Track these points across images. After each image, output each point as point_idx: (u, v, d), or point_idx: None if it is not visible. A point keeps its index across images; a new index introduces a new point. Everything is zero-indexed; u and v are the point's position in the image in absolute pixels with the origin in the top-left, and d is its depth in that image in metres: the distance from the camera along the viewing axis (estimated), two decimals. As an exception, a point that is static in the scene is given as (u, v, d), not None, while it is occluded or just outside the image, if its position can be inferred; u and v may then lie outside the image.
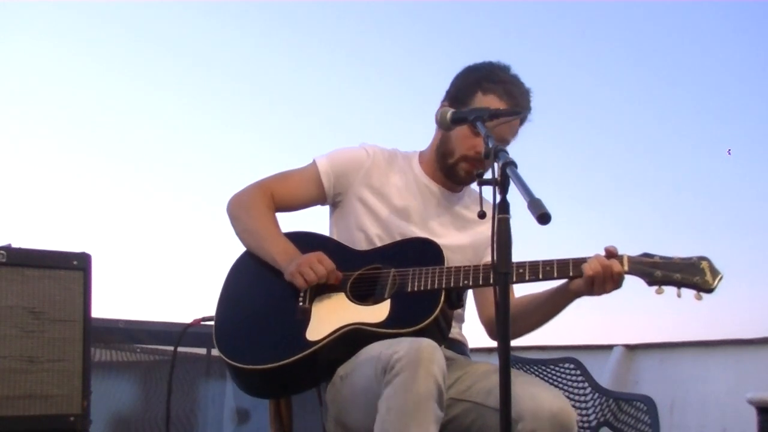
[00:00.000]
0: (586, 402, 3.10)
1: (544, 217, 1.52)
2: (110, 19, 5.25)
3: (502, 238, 1.60)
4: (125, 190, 5.43)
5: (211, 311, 2.23)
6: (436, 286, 2.08)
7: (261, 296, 2.22)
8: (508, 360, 1.57)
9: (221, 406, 3.74)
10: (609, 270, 1.99)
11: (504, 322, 1.57)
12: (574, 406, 3.09)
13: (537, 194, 1.56)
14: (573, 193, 5.54)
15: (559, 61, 5.67)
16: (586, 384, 3.12)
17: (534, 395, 1.89)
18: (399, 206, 2.28)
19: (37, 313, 2.56)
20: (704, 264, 2.00)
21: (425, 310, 2.04)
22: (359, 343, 2.03)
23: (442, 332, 2.10)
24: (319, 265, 2.10)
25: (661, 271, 2.00)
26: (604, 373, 4.35)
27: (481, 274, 2.08)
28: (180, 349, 3.53)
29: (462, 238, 2.32)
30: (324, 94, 5.60)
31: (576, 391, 3.14)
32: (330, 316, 2.09)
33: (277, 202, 2.31)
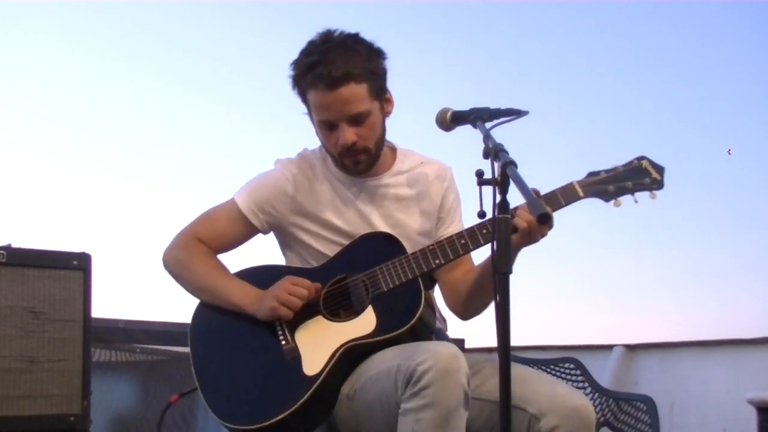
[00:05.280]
0: (586, 402, 3.10)
1: (544, 218, 1.52)
2: (108, 16, 5.25)
3: (502, 238, 1.60)
4: (125, 190, 5.42)
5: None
6: (410, 275, 2.04)
7: (238, 349, 2.09)
8: (508, 360, 1.57)
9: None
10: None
11: (504, 323, 1.57)
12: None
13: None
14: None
15: (559, 57, 5.67)
16: (586, 384, 3.12)
17: (556, 393, 1.92)
18: (335, 218, 2.18)
19: (37, 313, 2.56)
20: (644, 163, 2.07)
21: (411, 304, 2.01)
22: (358, 357, 2.00)
23: (429, 322, 2.09)
24: (296, 287, 2.03)
25: (613, 185, 2.04)
26: (604, 373, 4.35)
27: (448, 249, 2.05)
28: (179, 349, 3.56)
29: (410, 220, 2.23)
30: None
31: (576, 391, 3.14)
32: (319, 344, 2.01)
33: (210, 247, 2.19)
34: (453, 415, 1.76)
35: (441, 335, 2.21)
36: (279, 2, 5.36)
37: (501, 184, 1.64)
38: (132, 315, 3.52)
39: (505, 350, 1.57)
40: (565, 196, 2.04)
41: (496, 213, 1.62)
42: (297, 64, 2.11)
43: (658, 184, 2.06)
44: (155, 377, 3.58)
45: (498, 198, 1.63)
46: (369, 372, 1.95)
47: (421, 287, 2.03)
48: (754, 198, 5.19)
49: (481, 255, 2.17)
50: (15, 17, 4.88)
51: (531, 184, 1.62)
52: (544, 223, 1.52)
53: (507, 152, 1.70)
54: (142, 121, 5.52)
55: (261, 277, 2.13)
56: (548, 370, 3.25)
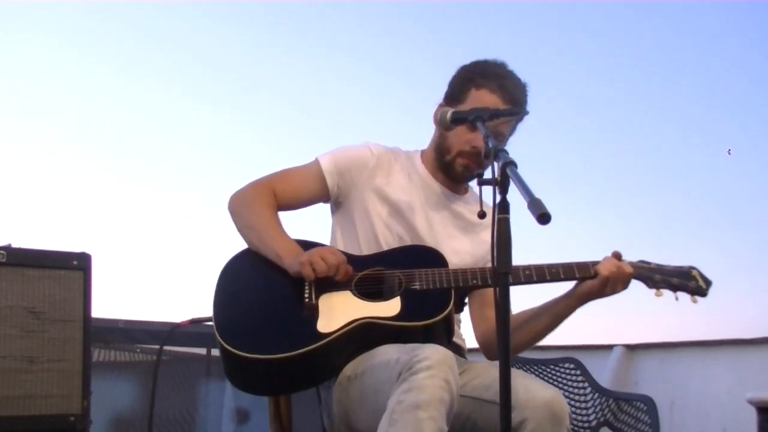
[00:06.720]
0: (586, 402, 3.10)
1: (544, 217, 1.52)
2: (108, 16, 5.25)
3: (502, 238, 1.61)
4: (125, 190, 5.43)
5: (208, 312, 2.20)
6: (445, 285, 2.12)
7: (262, 292, 2.17)
8: (508, 360, 1.57)
9: (221, 406, 3.74)
10: (622, 271, 2.15)
11: (504, 323, 1.57)
12: (574, 406, 3.10)
13: (537, 194, 1.56)
14: (573, 191, 5.54)
15: (559, 59, 5.68)
16: (586, 384, 3.13)
17: (526, 386, 1.94)
18: (402, 205, 2.28)
19: (37, 313, 2.56)
20: (695, 272, 2.25)
21: (438, 306, 2.08)
22: (370, 338, 2.04)
23: (449, 332, 2.13)
24: (332, 255, 2.09)
25: (659, 276, 2.21)
26: (604, 373, 4.35)
27: (489, 275, 2.14)
28: (180, 349, 3.56)
29: (463, 240, 2.33)
30: (327, 93, 5.61)
31: (576, 391, 3.14)
32: (339, 311, 2.07)
33: (279, 200, 2.28)
34: (434, 404, 1.77)
35: (459, 352, 2.26)
36: (279, 3, 5.36)
37: (501, 184, 1.64)
38: (132, 315, 3.53)
39: (505, 350, 1.57)
40: None
41: (496, 213, 1.62)
42: (482, 66, 2.29)
43: (702, 293, 2.22)
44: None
45: (498, 198, 1.63)
46: (371, 360, 2.00)
47: (452, 298, 2.10)
48: (754, 198, 5.19)
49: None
50: (15, 17, 4.89)
51: (531, 184, 1.62)
52: (544, 223, 1.52)
53: (507, 152, 1.70)
54: (142, 121, 5.53)
55: (306, 248, 2.19)
56: (548, 370, 3.25)
